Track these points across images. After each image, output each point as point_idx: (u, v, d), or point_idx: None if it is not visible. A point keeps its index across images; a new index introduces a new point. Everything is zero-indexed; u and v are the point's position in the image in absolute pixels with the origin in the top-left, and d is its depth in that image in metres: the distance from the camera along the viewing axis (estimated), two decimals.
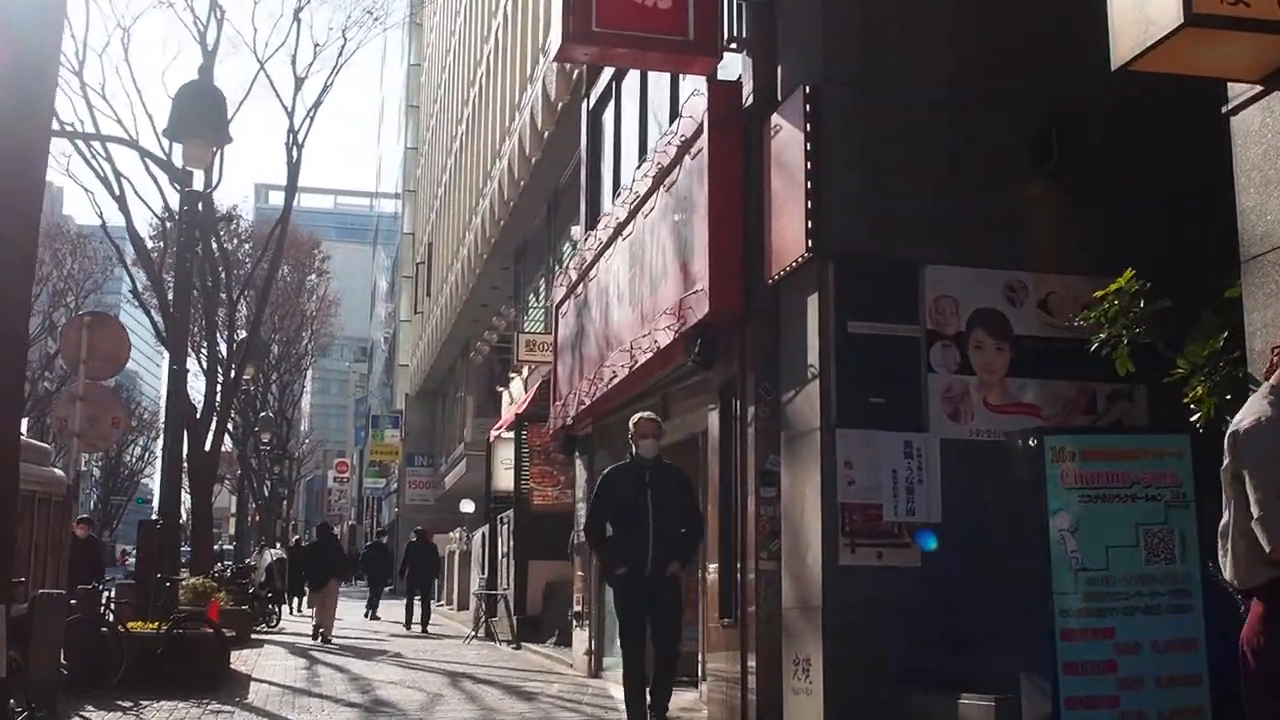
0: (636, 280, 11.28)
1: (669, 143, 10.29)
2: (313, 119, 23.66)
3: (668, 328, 9.93)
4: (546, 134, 20.10)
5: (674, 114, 11.43)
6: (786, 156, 8.49)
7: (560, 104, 18.83)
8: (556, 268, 23.04)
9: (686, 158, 9.84)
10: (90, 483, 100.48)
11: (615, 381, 11.61)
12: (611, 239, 12.31)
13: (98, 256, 61.17)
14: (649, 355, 10.50)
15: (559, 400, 14.31)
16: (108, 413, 11.83)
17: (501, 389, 26.91)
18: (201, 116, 13.10)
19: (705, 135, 9.35)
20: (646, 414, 9.01)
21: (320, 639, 18.48)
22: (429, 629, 22.18)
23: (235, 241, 42.12)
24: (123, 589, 14.92)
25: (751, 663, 8.74)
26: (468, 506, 30.82)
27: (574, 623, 14.28)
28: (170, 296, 16.82)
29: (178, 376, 13.41)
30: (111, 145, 22.07)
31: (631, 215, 11.49)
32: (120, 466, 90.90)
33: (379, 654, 16.55)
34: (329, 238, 69.39)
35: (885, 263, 8.22)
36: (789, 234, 8.43)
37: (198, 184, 14.12)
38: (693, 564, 9.56)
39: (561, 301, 14.64)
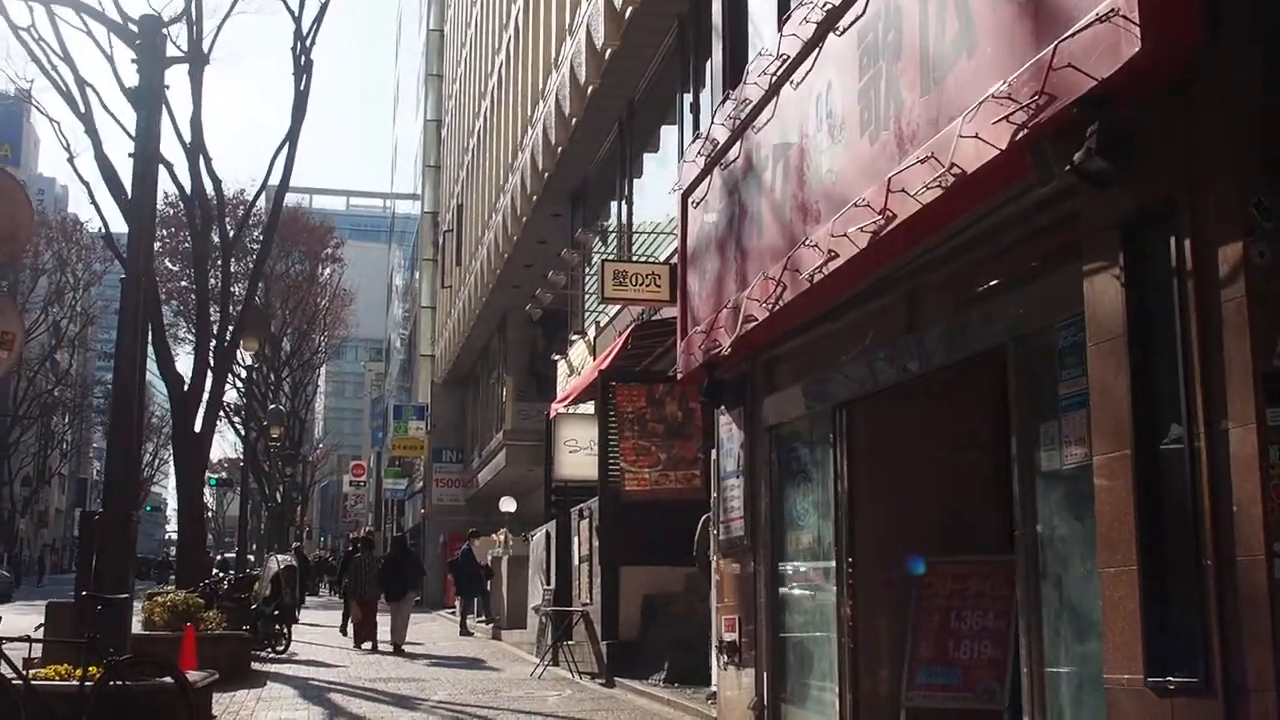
0: (880, 85, 6.62)
1: None
2: (321, 21, 19.05)
3: (998, 123, 5.25)
4: (629, 11, 15.48)
5: None
6: None
7: None
8: (634, 199, 18.43)
9: None
10: (90, 488, 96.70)
11: (833, 266, 6.93)
12: (807, 48, 7.66)
13: (96, 246, 57.36)
14: (934, 193, 5.81)
15: (696, 327, 9.63)
16: None
17: (558, 357, 22.19)
18: None
19: None
20: None
21: (394, 650, 18.29)
22: (361, 644, 19.07)
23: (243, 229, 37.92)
24: (55, 611, 10.24)
25: None
26: (509, 505, 26.53)
27: (721, 658, 9.59)
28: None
29: (133, 285, 8.81)
30: (75, 52, 17.58)
31: None
32: None
33: (421, 700, 11.90)
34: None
35: None
36: None
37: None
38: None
39: (695, 183, 9.97)
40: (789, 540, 8.71)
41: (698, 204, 9.93)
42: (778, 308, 7.80)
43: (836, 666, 7.85)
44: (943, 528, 8.09)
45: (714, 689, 10.63)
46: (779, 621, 8.73)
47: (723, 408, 9.70)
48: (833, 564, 7.95)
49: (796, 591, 8.59)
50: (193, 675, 8.69)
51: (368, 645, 18.93)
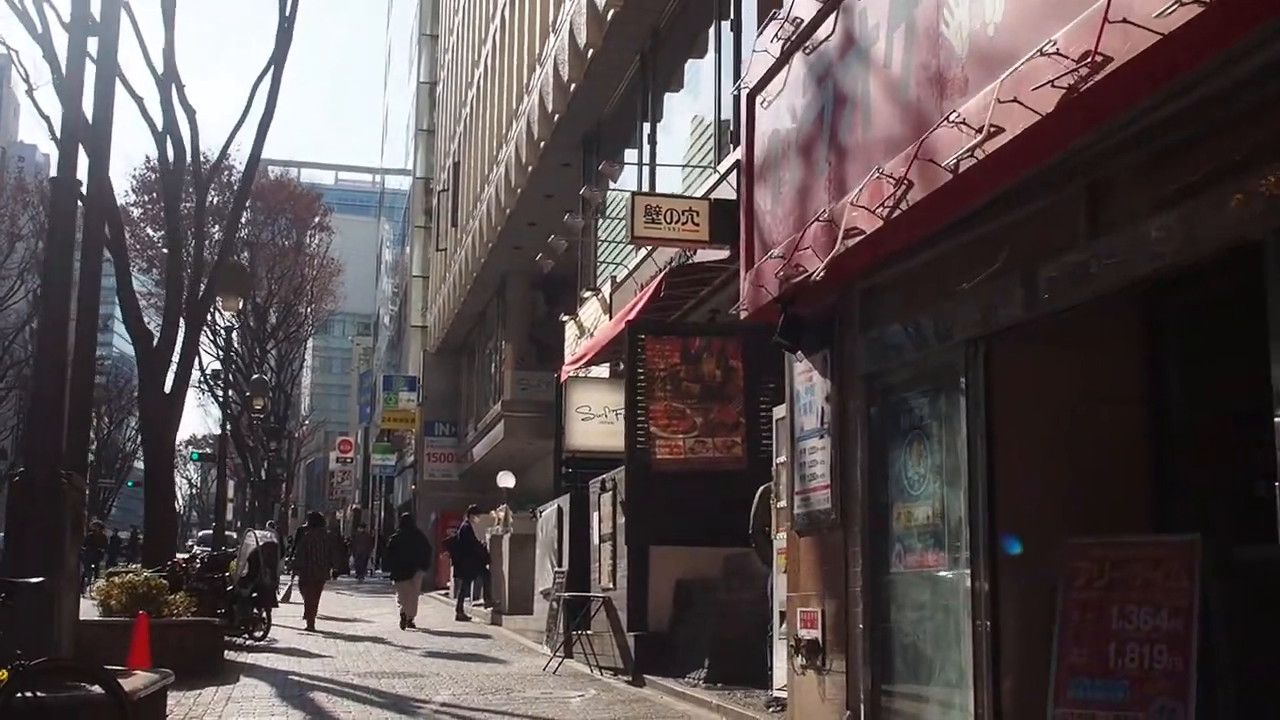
0: None
1: None
2: None
3: None
4: None
5: None
6: None
7: None
8: (659, 139, 16.59)
9: None
10: None
11: (995, 145, 5.12)
12: None
13: (76, 214, 55.15)
14: (1189, 13, 4.01)
15: (769, 253, 7.80)
16: None
17: (567, 318, 20.33)
18: None
19: None
20: None
21: (405, 626, 18.68)
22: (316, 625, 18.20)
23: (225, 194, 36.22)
24: None
25: None
26: (507, 481, 24.84)
27: (796, 659, 7.81)
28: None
29: (63, 188, 7.04)
30: None
31: None
32: (109, 446, 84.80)
33: (421, 703, 10.12)
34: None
35: None
36: None
37: None
38: None
39: (767, 78, 8.14)
40: (896, 514, 6.91)
41: (769, 103, 8.10)
42: (899, 213, 5.99)
43: (971, 674, 6.07)
44: (1099, 499, 6.35)
45: (775, 694, 8.89)
46: (882, 616, 6.95)
47: (799, 353, 7.89)
48: (964, 544, 6.18)
49: (909, 579, 6.80)
50: (137, 680, 6.89)
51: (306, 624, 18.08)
